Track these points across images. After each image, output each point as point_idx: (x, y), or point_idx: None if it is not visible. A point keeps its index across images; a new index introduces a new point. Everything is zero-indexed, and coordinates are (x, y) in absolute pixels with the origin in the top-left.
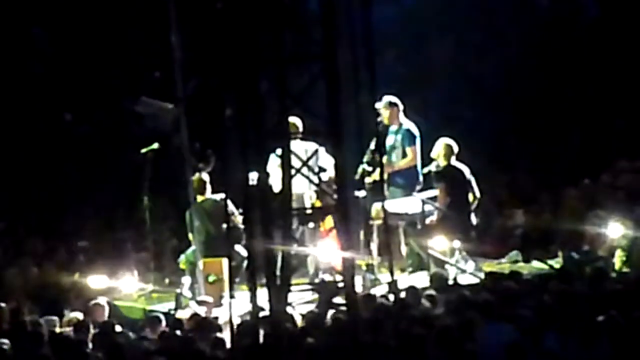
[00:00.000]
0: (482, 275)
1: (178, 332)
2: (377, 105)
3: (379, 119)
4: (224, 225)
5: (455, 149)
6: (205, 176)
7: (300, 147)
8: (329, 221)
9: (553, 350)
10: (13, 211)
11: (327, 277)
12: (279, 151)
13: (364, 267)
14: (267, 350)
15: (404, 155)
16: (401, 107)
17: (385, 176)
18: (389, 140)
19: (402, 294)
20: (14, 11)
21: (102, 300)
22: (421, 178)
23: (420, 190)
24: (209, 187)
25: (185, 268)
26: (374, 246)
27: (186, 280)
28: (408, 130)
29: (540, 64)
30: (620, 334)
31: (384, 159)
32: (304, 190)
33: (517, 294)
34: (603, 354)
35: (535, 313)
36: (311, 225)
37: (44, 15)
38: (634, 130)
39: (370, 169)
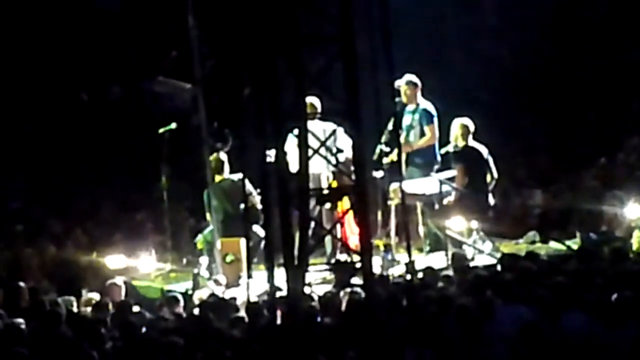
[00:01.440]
0: (500, 256)
1: (195, 312)
2: (398, 83)
3: (397, 99)
4: (242, 205)
5: (472, 128)
6: (223, 156)
7: (319, 127)
8: (347, 202)
9: (571, 330)
10: (30, 191)
11: (345, 258)
12: (296, 131)
13: (382, 248)
14: (284, 330)
15: (422, 134)
16: (420, 85)
17: (404, 156)
18: (406, 120)
19: (420, 275)
20: None
21: (119, 280)
22: (439, 157)
23: (439, 170)
24: (226, 167)
25: (203, 248)
26: (391, 226)
27: (204, 260)
28: (425, 110)
29: (556, 44)
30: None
31: (402, 139)
32: (321, 171)
33: (535, 274)
34: (628, 334)
35: (552, 293)
36: (328, 205)
37: None
38: None
39: (387, 149)
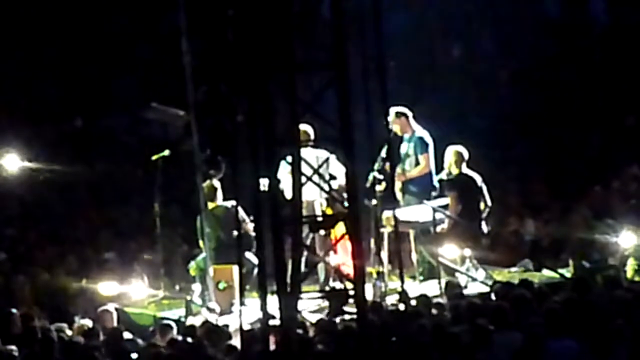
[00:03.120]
0: (493, 284)
1: (189, 339)
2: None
3: (390, 127)
4: (235, 232)
5: (466, 155)
6: (216, 183)
7: (312, 155)
8: (340, 229)
9: (562, 358)
10: (24, 218)
11: (338, 285)
12: (289, 158)
13: (375, 275)
14: (277, 357)
15: (417, 163)
16: (410, 114)
17: (399, 184)
18: (403, 148)
19: (413, 302)
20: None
21: (110, 306)
22: (436, 184)
23: (434, 198)
24: (219, 194)
25: (196, 275)
26: (384, 254)
27: (196, 287)
28: (420, 138)
29: (550, 72)
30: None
31: (398, 167)
32: (314, 198)
33: (528, 302)
34: None
35: (545, 321)
36: (322, 232)
37: (56, 19)
38: None
39: (381, 177)
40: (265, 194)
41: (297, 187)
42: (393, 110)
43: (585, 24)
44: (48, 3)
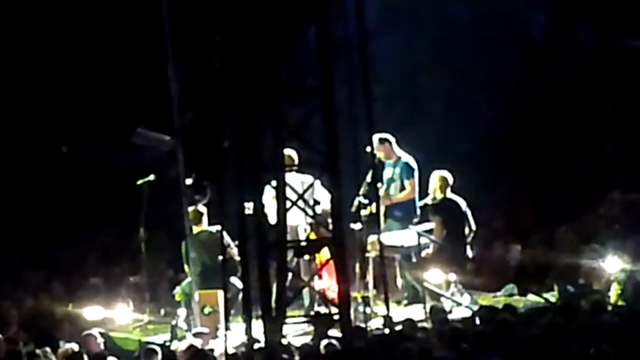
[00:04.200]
0: (478, 308)
1: None
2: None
3: (374, 153)
4: (220, 257)
5: (451, 180)
6: (202, 208)
7: (297, 180)
8: (325, 253)
9: None
10: (9, 242)
11: (323, 310)
12: (274, 183)
13: (360, 300)
14: None
15: (402, 188)
16: (393, 140)
17: (383, 209)
18: (387, 173)
19: (398, 327)
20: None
21: (95, 331)
22: (418, 211)
23: (418, 223)
24: (205, 219)
25: (181, 299)
26: (369, 279)
27: (182, 311)
28: (406, 164)
29: (536, 96)
30: None
31: (383, 192)
32: (299, 223)
33: (512, 327)
34: None
35: (530, 346)
36: (306, 257)
37: (42, 45)
38: (629, 162)
39: (366, 201)
40: (250, 219)
41: (282, 212)
42: (376, 136)
43: (572, 49)
44: (33, 29)
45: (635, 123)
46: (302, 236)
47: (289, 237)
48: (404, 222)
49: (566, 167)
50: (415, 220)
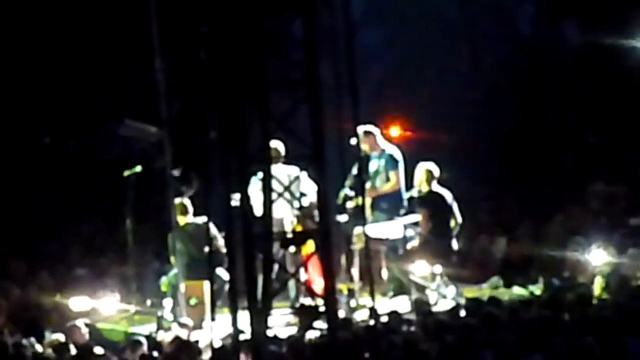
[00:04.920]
0: (463, 301)
1: (158, 355)
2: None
3: (360, 146)
4: (206, 249)
5: (437, 173)
6: (188, 199)
7: (283, 171)
8: (310, 245)
9: None
10: None
11: (308, 301)
12: (260, 174)
13: (345, 292)
14: None
15: (388, 180)
16: (377, 133)
17: (369, 201)
18: (372, 166)
19: (383, 319)
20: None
21: (80, 322)
22: (405, 202)
23: (404, 215)
24: (191, 210)
25: (167, 290)
26: (355, 271)
27: (167, 302)
28: (391, 155)
29: (522, 91)
30: None
31: (368, 184)
32: (285, 215)
33: (497, 319)
34: None
35: (514, 338)
36: (292, 249)
37: (28, 37)
38: (612, 155)
39: (352, 193)
40: (236, 210)
41: (268, 203)
42: (361, 129)
43: (557, 43)
44: (17, 20)
45: (619, 116)
46: (288, 228)
47: (275, 229)
48: (391, 213)
49: (552, 160)
50: (402, 211)
